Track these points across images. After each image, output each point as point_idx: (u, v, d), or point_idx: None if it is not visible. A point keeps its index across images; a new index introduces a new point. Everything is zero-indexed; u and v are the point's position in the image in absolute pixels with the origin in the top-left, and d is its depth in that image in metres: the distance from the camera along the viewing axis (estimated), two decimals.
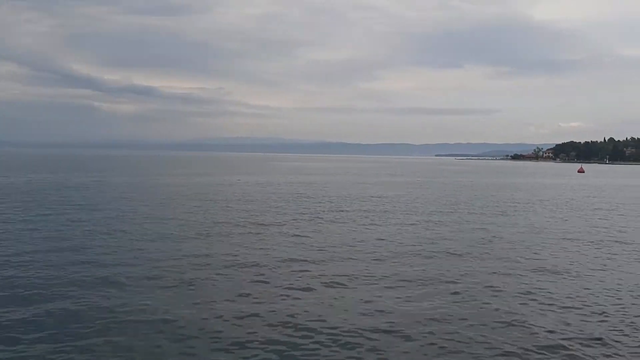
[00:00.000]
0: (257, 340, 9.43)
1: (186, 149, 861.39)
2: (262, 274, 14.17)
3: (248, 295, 12.18)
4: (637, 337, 9.96)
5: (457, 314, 11.07)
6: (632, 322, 10.78)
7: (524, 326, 10.41)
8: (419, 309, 11.36)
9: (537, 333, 10.03)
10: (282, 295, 12.26)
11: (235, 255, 16.47)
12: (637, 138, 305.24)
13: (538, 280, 14.18)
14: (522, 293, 12.86)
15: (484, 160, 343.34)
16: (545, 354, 9.05)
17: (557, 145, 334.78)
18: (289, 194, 41.14)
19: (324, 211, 29.38)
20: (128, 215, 25.75)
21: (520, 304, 11.96)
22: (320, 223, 24.59)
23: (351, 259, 16.50)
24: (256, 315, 10.77)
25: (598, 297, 12.70)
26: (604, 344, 9.53)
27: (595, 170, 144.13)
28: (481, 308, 11.59)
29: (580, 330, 10.23)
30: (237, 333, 9.79)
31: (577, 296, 12.70)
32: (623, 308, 11.80)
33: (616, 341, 9.69)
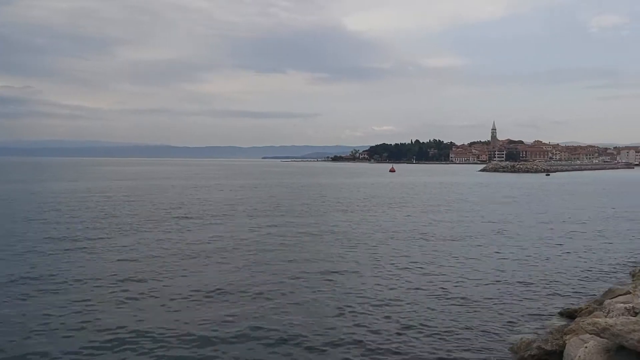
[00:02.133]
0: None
1: None
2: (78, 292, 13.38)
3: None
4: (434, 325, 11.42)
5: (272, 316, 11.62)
6: (430, 308, 12.28)
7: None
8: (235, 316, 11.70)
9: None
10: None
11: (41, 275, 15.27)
12: (438, 140, 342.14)
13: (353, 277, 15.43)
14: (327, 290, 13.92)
15: (308, 162, 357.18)
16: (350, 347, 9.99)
17: (371, 147, 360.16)
18: (108, 202, 38.92)
19: (142, 220, 28.38)
20: None
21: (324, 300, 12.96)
22: (139, 233, 23.77)
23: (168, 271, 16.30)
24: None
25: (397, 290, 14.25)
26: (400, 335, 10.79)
27: (404, 169, 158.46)
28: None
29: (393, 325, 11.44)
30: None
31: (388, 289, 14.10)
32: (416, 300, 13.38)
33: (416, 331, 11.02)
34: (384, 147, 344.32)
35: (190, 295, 12.65)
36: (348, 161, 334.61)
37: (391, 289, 13.58)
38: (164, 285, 13.58)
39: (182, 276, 14.68)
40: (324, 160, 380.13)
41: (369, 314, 11.42)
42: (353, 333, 10.24)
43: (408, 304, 12.28)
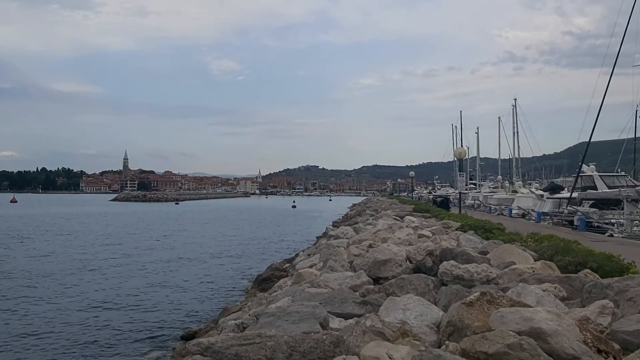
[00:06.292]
0: None
1: None
2: None
3: None
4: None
5: None
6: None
7: None
8: None
9: None
10: None
11: None
12: (68, 168, 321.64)
13: None
14: None
15: None
16: None
17: None
18: None
19: None
20: None
21: None
22: None
23: None
24: None
25: None
26: None
27: (29, 199, 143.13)
28: None
29: None
30: None
31: None
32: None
33: None
34: (4, 175, 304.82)
35: None
36: None
37: None
38: None
39: None
40: None
41: None
42: None
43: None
